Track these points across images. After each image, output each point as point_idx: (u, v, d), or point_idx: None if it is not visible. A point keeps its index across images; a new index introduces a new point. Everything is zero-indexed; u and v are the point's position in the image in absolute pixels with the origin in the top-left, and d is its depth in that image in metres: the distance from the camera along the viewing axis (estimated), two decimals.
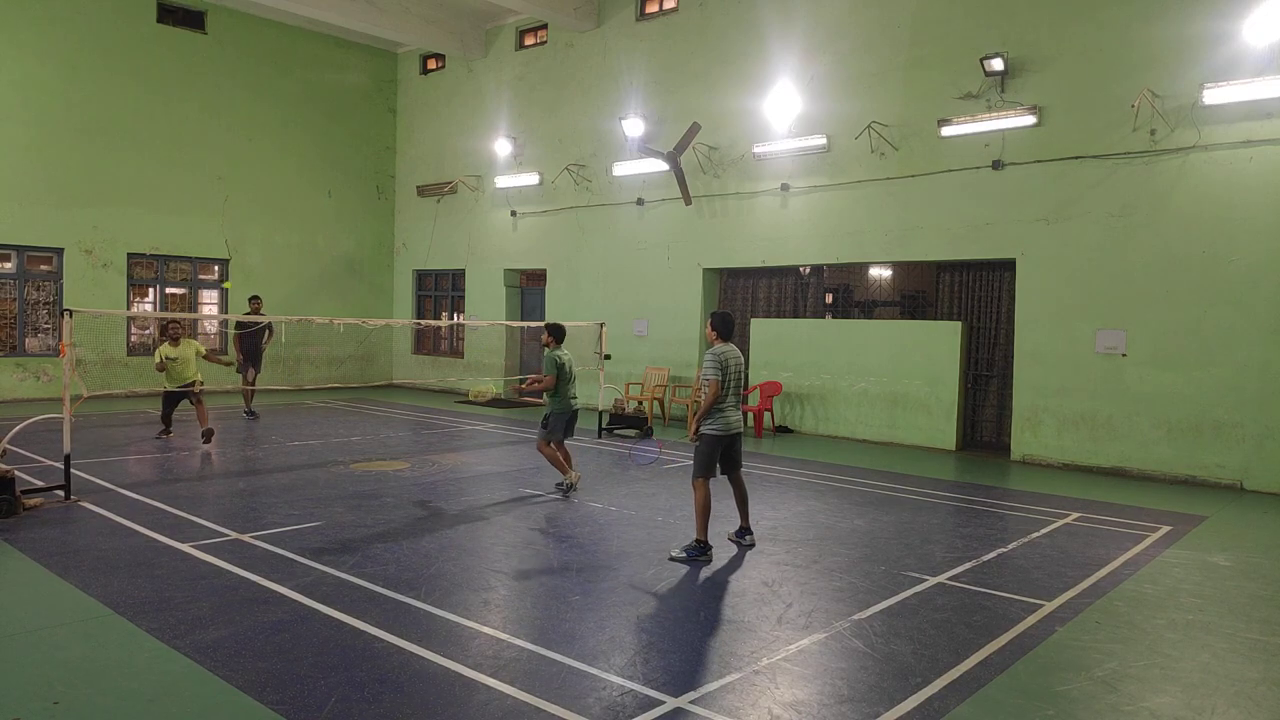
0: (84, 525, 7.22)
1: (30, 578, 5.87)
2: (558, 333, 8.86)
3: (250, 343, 14.40)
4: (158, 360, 11.50)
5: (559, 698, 4.18)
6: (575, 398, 8.78)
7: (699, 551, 6.60)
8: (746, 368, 15.27)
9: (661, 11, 16.22)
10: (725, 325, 6.95)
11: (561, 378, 8.56)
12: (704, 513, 6.65)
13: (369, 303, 21.29)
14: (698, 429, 6.75)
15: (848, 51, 13.63)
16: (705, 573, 6.35)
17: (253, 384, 14.28)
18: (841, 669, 4.65)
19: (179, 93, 17.94)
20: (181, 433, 12.48)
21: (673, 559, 6.56)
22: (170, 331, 11.64)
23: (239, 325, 14.58)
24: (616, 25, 16.80)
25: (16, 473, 7.82)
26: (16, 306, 16.42)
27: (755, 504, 8.67)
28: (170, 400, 11.92)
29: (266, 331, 14.58)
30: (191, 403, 11.75)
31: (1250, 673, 4.77)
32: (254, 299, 15.26)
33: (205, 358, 11.90)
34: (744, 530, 7.15)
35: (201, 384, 11.76)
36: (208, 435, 11.44)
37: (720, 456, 6.87)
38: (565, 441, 8.95)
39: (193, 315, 18.44)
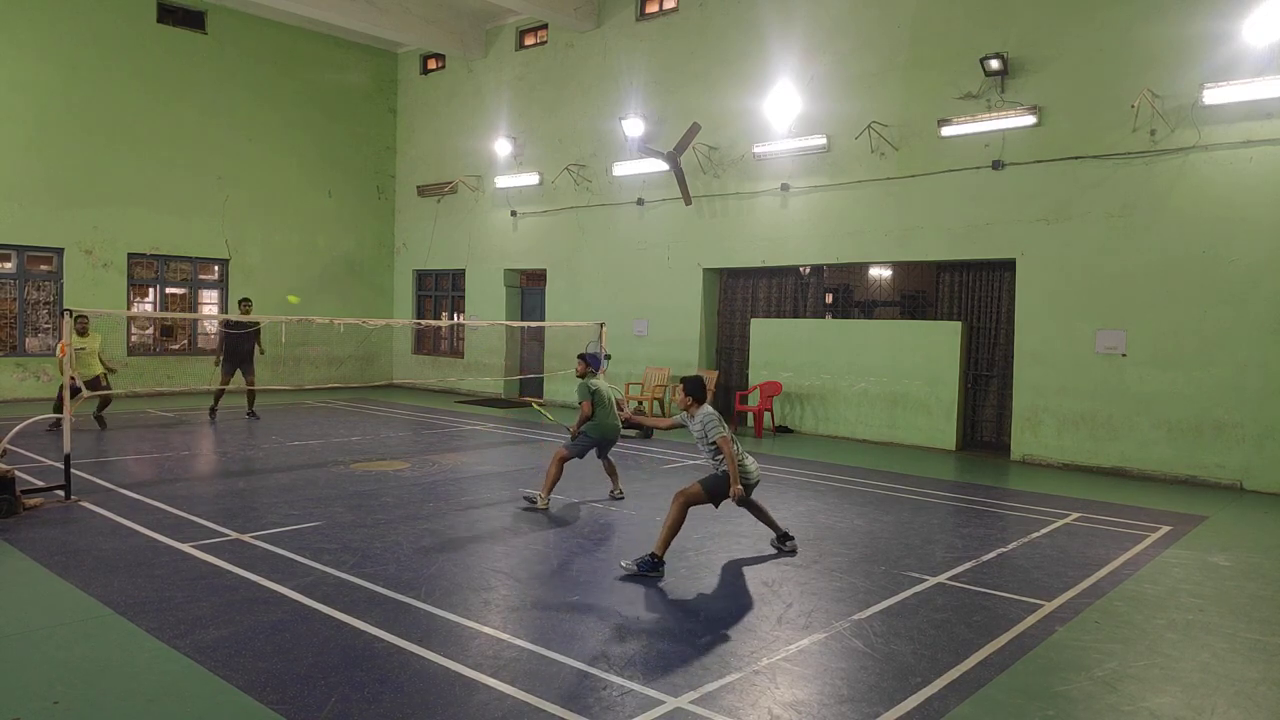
0: (84, 525, 7.22)
1: (30, 578, 5.87)
2: (594, 361, 8.75)
3: (238, 345, 13.90)
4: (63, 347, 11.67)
5: (559, 698, 4.18)
6: (614, 420, 8.47)
7: (651, 567, 6.17)
8: (746, 368, 15.41)
9: (661, 11, 16.22)
10: (699, 389, 6.62)
11: (598, 403, 8.38)
12: (672, 532, 6.27)
13: (369, 303, 21.29)
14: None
15: (848, 51, 13.64)
16: (705, 573, 6.35)
17: (252, 385, 14.14)
18: (841, 669, 4.65)
19: (179, 93, 17.94)
20: (181, 432, 12.48)
21: (623, 567, 6.24)
22: (79, 325, 11.77)
23: (226, 325, 14.10)
24: (616, 25, 16.80)
25: (16, 473, 7.81)
26: (16, 306, 16.42)
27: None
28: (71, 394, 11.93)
29: (257, 335, 14.14)
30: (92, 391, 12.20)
31: (1250, 673, 4.77)
32: (244, 302, 14.68)
33: (102, 358, 12.25)
34: (784, 536, 6.96)
35: (106, 384, 12.41)
36: (100, 420, 12.40)
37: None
38: (609, 458, 8.78)
39: (192, 315, 18.43)
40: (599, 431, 8.39)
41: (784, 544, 6.98)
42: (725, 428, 6.42)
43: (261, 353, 14.44)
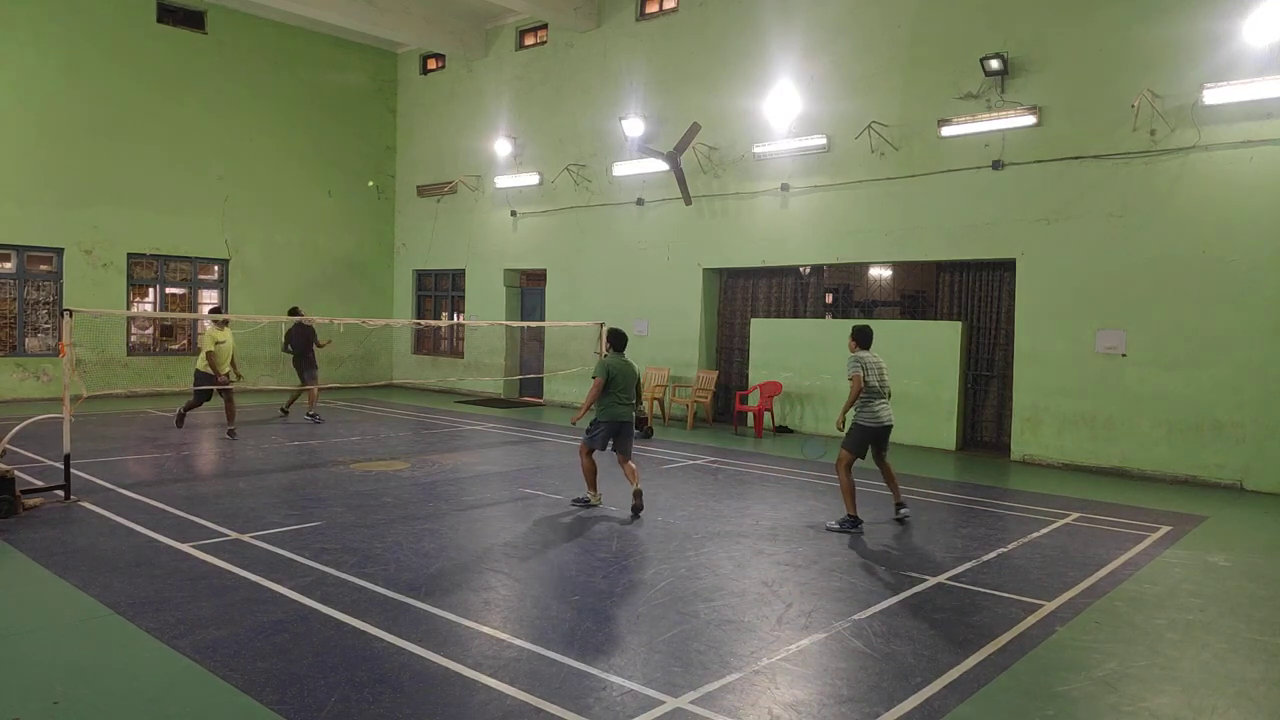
0: (84, 525, 7.22)
1: (30, 578, 5.87)
2: (614, 339, 8.33)
3: (296, 347, 14.59)
4: (210, 346, 12.20)
5: (559, 698, 4.18)
6: (626, 405, 8.09)
7: (851, 524, 7.73)
8: (746, 368, 15.40)
9: (661, 11, 16.22)
10: (865, 337, 8.05)
11: (609, 384, 8.01)
12: (847, 492, 7.79)
13: (369, 303, 21.29)
14: (843, 419, 7.92)
15: (848, 51, 13.63)
16: (705, 573, 6.35)
17: (314, 386, 14.61)
18: (841, 669, 4.65)
19: (179, 92, 17.94)
20: (181, 432, 12.49)
21: (829, 529, 7.73)
22: (221, 318, 12.42)
23: (288, 334, 14.81)
24: (616, 25, 16.80)
25: (16, 473, 7.81)
26: (16, 306, 16.42)
27: (755, 503, 8.72)
28: (203, 394, 12.40)
29: (311, 334, 14.74)
30: (221, 396, 12.49)
31: (1250, 673, 4.77)
32: (294, 310, 15.22)
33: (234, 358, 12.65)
34: (898, 505, 8.18)
35: (231, 379, 12.56)
36: (233, 433, 12.35)
37: (872, 444, 7.96)
38: (630, 457, 8.24)
39: (193, 315, 18.43)
40: (606, 415, 8.05)
41: (897, 512, 8.18)
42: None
43: (319, 345, 15.02)
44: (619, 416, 8.10)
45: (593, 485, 8.26)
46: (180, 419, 12.81)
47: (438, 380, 20.33)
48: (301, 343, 14.58)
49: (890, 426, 7.95)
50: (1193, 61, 10.57)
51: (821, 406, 14.05)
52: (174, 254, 18.13)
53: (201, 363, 12.23)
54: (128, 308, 17.61)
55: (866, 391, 7.78)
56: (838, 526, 7.72)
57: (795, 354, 14.41)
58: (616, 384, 8.07)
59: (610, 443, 8.17)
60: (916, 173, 12.90)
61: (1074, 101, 11.48)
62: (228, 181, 18.72)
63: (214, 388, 12.22)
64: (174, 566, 6.14)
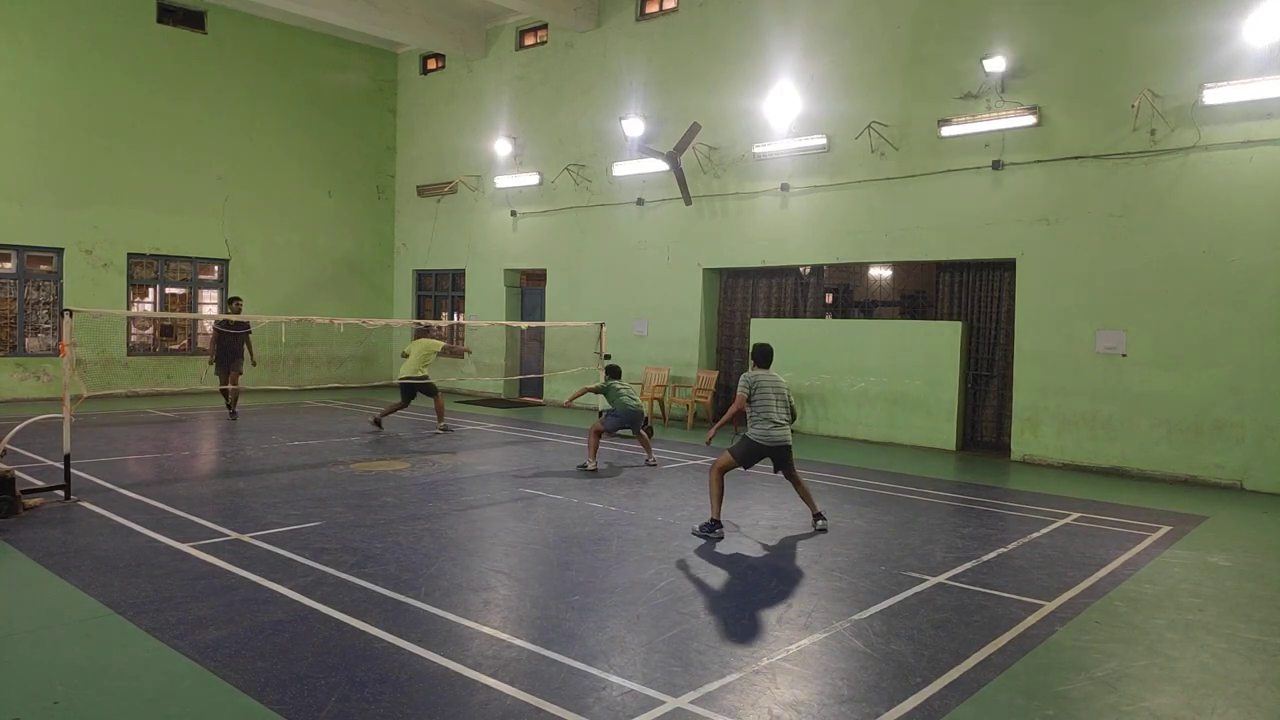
0: (84, 525, 7.22)
1: (30, 578, 5.87)
2: (611, 370, 11.09)
3: (229, 344, 14.05)
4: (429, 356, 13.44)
5: (559, 698, 4.18)
6: (631, 401, 10.58)
7: (711, 528, 7.38)
8: (746, 368, 15.35)
9: (661, 11, 16.22)
10: (763, 356, 7.88)
11: (612, 397, 10.61)
12: (714, 496, 7.53)
13: (369, 303, 21.29)
14: (713, 434, 7.89)
15: (848, 51, 13.64)
16: (705, 572, 6.35)
17: (235, 385, 14.03)
18: (841, 669, 4.65)
19: (179, 93, 17.94)
20: (181, 432, 12.49)
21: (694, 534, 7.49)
22: (436, 332, 13.57)
23: (223, 325, 14.13)
24: (616, 25, 16.80)
25: (16, 473, 7.81)
26: (16, 306, 16.42)
27: (755, 503, 8.72)
28: (406, 395, 13.36)
29: (247, 336, 14.33)
30: (428, 395, 13.60)
31: (1250, 673, 4.77)
32: (235, 301, 15.16)
33: (440, 354, 13.65)
34: (816, 515, 7.83)
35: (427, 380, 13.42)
36: (446, 429, 13.53)
37: (773, 462, 7.74)
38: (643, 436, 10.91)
39: (192, 315, 18.45)
40: (614, 406, 10.58)
41: (815, 523, 7.87)
42: (746, 389, 7.82)
43: (253, 364, 14.70)
44: (629, 407, 10.63)
45: (591, 455, 10.35)
46: (379, 421, 13.59)
47: (437, 380, 20.27)
48: (240, 338, 14.14)
49: (785, 447, 7.61)
50: (1193, 61, 10.57)
51: (822, 407, 14.06)
52: (174, 254, 18.13)
53: (409, 369, 13.24)
54: (128, 308, 17.61)
55: (753, 409, 7.56)
56: (699, 531, 7.38)
57: (795, 354, 14.39)
58: (616, 396, 10.65)
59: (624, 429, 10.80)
60: (916, 173, 12.91)
61: (1074, 101, 11.48)
62: (228, 181, 18.72)
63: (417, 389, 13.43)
64: (174, 566, 6.14)
